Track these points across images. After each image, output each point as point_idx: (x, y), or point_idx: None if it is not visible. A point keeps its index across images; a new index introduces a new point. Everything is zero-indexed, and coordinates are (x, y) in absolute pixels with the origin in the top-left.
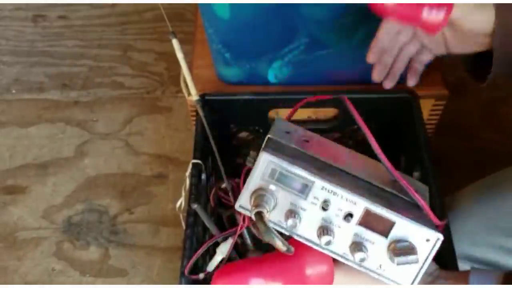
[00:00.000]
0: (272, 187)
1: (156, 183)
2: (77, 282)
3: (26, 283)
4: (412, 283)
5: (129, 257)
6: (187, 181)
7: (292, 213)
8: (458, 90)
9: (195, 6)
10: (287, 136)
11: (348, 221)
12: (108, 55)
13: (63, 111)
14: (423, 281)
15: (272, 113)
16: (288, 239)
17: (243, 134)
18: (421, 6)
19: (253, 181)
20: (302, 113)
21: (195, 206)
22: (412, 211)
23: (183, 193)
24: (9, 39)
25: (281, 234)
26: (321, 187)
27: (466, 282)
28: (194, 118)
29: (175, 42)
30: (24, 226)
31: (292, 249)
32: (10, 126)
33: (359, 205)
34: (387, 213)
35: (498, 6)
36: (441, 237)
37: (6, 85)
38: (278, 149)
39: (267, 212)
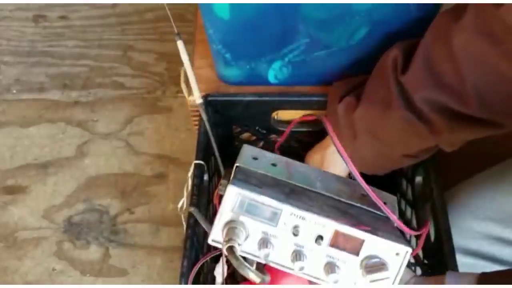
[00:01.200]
0: (242, 218)
1: (156, 183)
2: (77, 282)
3: (26, 283)
4: None
5: (130, 257)
6: (189, 182)
7: (264, 241)
8: None
9: (195, 6)
10: (255, 162)
11: (319, 244)
12: (108, 55)
13: (64, 111)
14: None
15: (274, 114)
16: (264, 265)
17: (246, 135)
18: None
19: (223, 215)
20: (297, 114)
21: (192, 209)
22: (381, 226)
23: (185, 194)
24: (10, 39)
25: (257, 262)
26: (289, 213)
27: (443, 282)
28: (195, 118)
29: (180, 43)
30: (25, 226)
31: (267, 278)
32: (10, 126)
33: (328, 227)
34: (356, 232)
35: None
36: (409, 250)
37: (6, 85)
38: (246, 179)
39: (239, 245)
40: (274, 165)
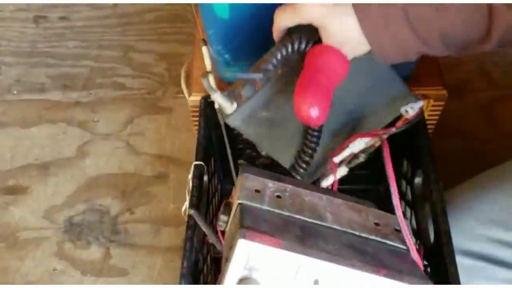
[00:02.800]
0: (255, 275)
1: (157, 183)
2: (78, 282)
3: (27, 283)
4: None
5: (130, 257)
6: (190, 184)
7: None
8: (457, 90)
9: (196, 7)
10: (258, 196)
11: None
12: (109, 56)
13: (64, 111)
14: None
15: None
16: None
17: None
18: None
19: (233, 273)
20: None
21: (191, 212)
22: (402, 263)
23: (187, 196)
24: (11, 40)
25: None
26: (310, 265)
27: None
28: (195, 118)
29: (204, 50)
30: (26, 226)
31: None
32: (11, 127)
33: (353, 277)
34: (383, 281)
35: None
36: None
37: (7, 85)
38: (254, 224)
39: None
40: (279, 197)
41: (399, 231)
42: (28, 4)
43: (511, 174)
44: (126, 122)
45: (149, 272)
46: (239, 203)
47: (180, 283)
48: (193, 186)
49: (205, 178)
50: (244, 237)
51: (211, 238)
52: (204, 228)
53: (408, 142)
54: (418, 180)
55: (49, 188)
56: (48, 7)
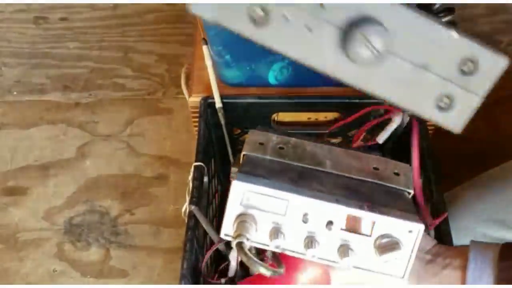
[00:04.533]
0: (251, 211)
1: (157, 184)
2: (78, 283)
3: (27, 284)
4: (404, 274)
5: (130, 258)
6: (190, 185)
7: (275, 231)
8: None
9: None
10: (262, 148)
11: (330, 229)
12: (109, 57)
13: (64, 112)
14: (420, 260)
15: (274, 116)
16: (280, 254)
17: (246, 137)
18: None
19: (232, 208)
20: (297, 116)
21: (192, 207)
22: (394, 201)
23: (187, 197)
24: (11, 40)
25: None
26: (297, 202)
27: (466, 258)
28: (195, 120)
29: (205, 49)
30: (25, 227)
31: (281, 270)
32: (11, 128)
33: (338, 212)
34: (366, 214)
35: None
36: (422, 227)
37: (7, 86)
38: (252, 170)
39: (247, 239)
40: (281, 148)
41: (397, 174)
42: (28, 5)
43: (511, 174)
44: (126, 123)
45: (149, 273)
46: (244, 154)
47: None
48: (193, 187)
49: (205, 179)
50: (239, 179)
51: (211, 236)
52: (204, 224)
53: (409, 144)
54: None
55: (49, 189)
56: (48, 8)
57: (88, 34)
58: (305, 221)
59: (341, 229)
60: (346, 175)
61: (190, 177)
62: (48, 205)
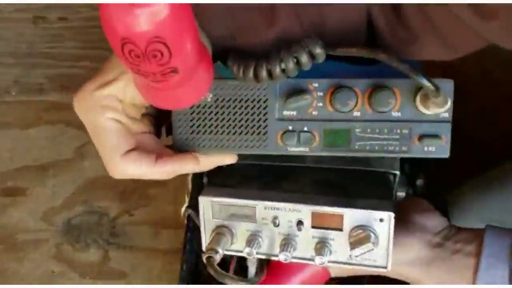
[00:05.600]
0: (226, 222)
1: (156, 185)
2: (76, 284)
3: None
4: (386, 264)
5: (129, 259)
6: (189, 186)
7: (252, 239)
8: (458, 90)
9: None
10: None
11: (300, 229)
12: (108, 57)
13: (63, 112)
14: (427, 244)
15: None
16: (268, 262)
17: None
18: None
19: (205, 225)
20: None
21: (189, 211)
22: (369, 189)
23: (186, 198)
24: (9, 40)
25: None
26: (264, 207)
27: (480, 243)
28: None
29: None
30: (24, 228)
31: (255, 279)
32: (10, 128)
33: (304, 211)
34: (332, 209)
35: None
36: (392, 214)
37: (5, 86)
38: (222, 181)
39: (217, 253)
40: None
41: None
42: (27, 5)
43: (511, 174)
44: None
45: (148, 274)
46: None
47: None
48: (192, 188)
49: (205, 179)
50: (203, 194)
51: None
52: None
53: None
54: (420, 182)
55: (47, 190)
56: (47, 8)
57: (87, 33)
58: (276, 224)
59: (312, 227)
60: (325, 166)
61: (189, 177)
62: (47, 206)
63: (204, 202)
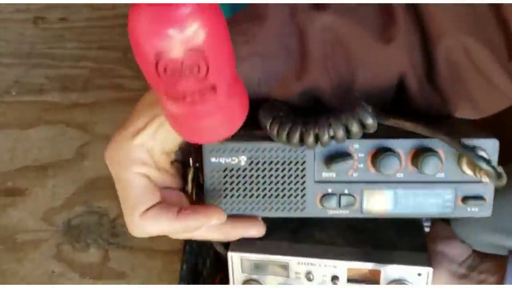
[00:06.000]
0: (255, 276)
1: None
2: (76, 284)
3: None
4: None
5: (129, 260)
6: (189, 187)
7: None
8: None
9: None
10: None
11: (336, 283)
12: (108, 57)
13: (63, 113)
14: (453, 275)
15: None
16: None
17: None
18: None
19: (234, 279)
20: None
21: None
22: (401, 238)
23: None
24: (9, 40)
25: None
26: (297, 263)
27: (503, 274)
28: None
29: None
30: (24, 228)
31: None
32: (10, 128)
33: (340, 266)
34: (370, 265)
35: None
36: (431, 270)
37: (6, 87)
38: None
39: None
40: None
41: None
42: (27, 5)
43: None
44: None
45: (148, 275)
46: None
47: None
48: (192, 188)
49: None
50: (231, 249)
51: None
52: None
53: None
54: None
55: (47, 190)
56: (47, 8)
57: (88, 34)
58: (310, 279)
59: (348, 281)
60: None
61: (190, 178)
62: (47, 206)
63: (234, 257)
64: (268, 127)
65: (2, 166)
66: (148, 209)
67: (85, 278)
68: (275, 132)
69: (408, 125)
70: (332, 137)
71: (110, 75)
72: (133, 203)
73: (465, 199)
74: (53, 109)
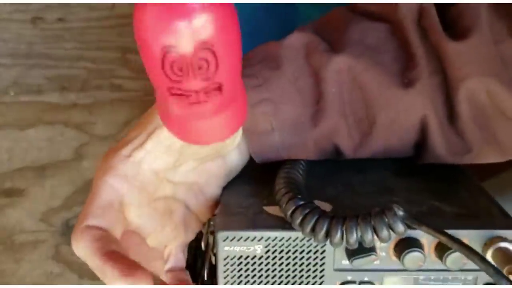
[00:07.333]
0: None
1: None
2: (75, 285)
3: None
4: None
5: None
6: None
7: None
8: None
9: None
10: None
11: None
12: (107, 57)
13: (62, 113)
14: None
15: None
16: None
17: None
18: None
19: None
20: None
21: None
22: None
23: None
24: (8, 41)
25: None
26: None
27: None
28: None
29: None
30: (22, 229)
31: None
32: (8, 129)
33: None
34: None
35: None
36: None
37: (4, 87)
38: None
39: None
40: None
41: None
42: (25, 5)
43: (510, 188)
44: (124, 124)
45: None
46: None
47: None
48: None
49: None
50: None
51: (210, 239)
52: (202, 229)
53: None
54: None
55: (46, 191)
56: (45, 8)
57: (86, 34)
58: None
59: None
60: None
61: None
62: (45, 207)
63: None
64: (289, 215)
65: (0, 167)
66: (92, 227)
67: (83, 278)
68: (297, 222)
69: (440, 236)
70: (360, 238)
71: (109, 75)
72: (86, 212)
73: (487, 284)
74: (52, 110)
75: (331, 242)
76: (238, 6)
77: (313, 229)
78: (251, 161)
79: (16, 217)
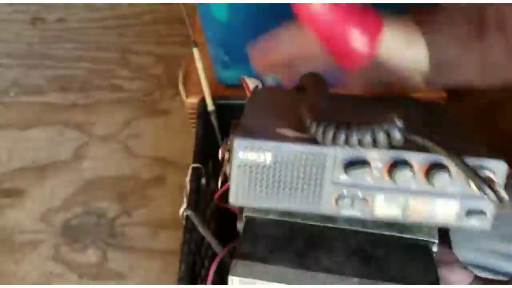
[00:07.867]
0: None
1: (154, 185)
2: (75, 285)
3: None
4: None
5: (127, 260)
6: (187, 187)
7: None
8: (456, 93)
9: (192, 8)
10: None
11: None
12: (106, 58)
13: (62, 113)
14: None
15: None
16: None
17: None
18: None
19: None
20: None
21: (188, 213)
22: (406, 267)
23: (184, 200)
24: (8, 41)
25: None
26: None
27: None
28: (193, 121)
29: (195, 52)
30: (22, 229)
31: None
32: (8, 129)
33: None
34: None
35: (430, 42)
36: None
37: (4, 87)
38: (251, 250)
39: None
40: None
41: None
42: (25, 6)
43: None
44: (124, 124)
45: (146, 275)
46: (245, 216)
47: None
48: (190, 189)
49: (203, 180)
50: (232, 273)
51: (209, 240)
52: (201, 229)
53: None
54: None
55: (45, 191)
56: (45, 9)
57: (85, 35)
58: None
59: None
60: (361, 229)
61: (188, 178)
62: (45, 207)
63: (234, 281)
64: (308, 124)
65: (1, 167)
66: None
67: (83, 278)
68: (312, 127)
69: (426, 143)
70: (360, 142)
71: (108, 75)
72: None
73: (469, 213)
74: (51, 110)
75: (334, 143)
76: (237, 7)
77: (323, 133)
78: (269, 93)
79: (16, 217)
